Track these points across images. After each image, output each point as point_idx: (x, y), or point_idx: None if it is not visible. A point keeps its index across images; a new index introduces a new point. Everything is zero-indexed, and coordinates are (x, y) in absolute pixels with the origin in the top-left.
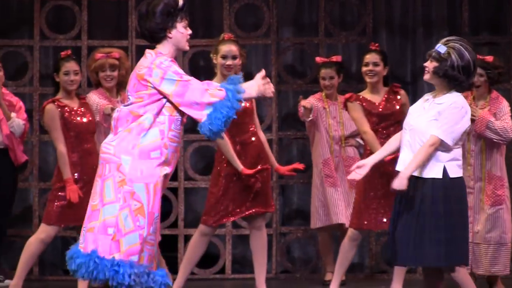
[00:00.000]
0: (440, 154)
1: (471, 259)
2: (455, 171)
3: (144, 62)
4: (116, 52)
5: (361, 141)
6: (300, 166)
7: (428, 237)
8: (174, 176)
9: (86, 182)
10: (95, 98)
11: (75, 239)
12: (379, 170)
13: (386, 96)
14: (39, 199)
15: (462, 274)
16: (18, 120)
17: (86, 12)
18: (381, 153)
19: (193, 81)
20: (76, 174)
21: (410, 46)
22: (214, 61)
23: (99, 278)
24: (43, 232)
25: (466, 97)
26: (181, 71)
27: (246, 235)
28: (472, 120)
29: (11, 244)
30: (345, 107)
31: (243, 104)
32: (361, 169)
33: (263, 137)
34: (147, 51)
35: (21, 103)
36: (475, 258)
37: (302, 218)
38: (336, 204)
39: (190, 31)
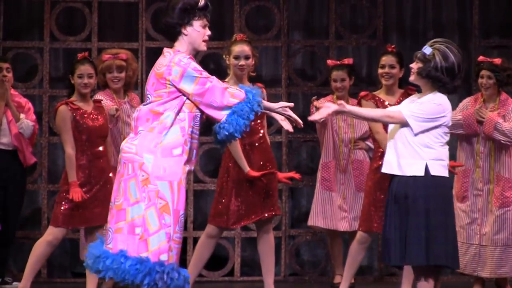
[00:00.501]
0: (422, 151)
1: (477, 261)
2: (438, 170)
3: (163, 60)
4: (123, 54)
5: (371, 145)
6: (296, 175)
7: (410, 236)
8: None
9: (94, 185)
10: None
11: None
12: None
13: (400, 98)
14: (48, 201)
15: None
16: (27, 121)
17: (96, 14)
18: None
19: (213, 79)
20: (83, 177)
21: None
22: (227, 62)
23: (126, 279)
24: (50, 234)
25: (476, 100)
26: (200, 68)
27: (255, 237)
28: (481, 122)
29: (20, 246)
30: (359, 104)
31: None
32: (325, 109)
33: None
34: (165, 49)
35: (30, 104)
36: (481, 260)
37: None
38: (325, 209)
39: (208, 32)
